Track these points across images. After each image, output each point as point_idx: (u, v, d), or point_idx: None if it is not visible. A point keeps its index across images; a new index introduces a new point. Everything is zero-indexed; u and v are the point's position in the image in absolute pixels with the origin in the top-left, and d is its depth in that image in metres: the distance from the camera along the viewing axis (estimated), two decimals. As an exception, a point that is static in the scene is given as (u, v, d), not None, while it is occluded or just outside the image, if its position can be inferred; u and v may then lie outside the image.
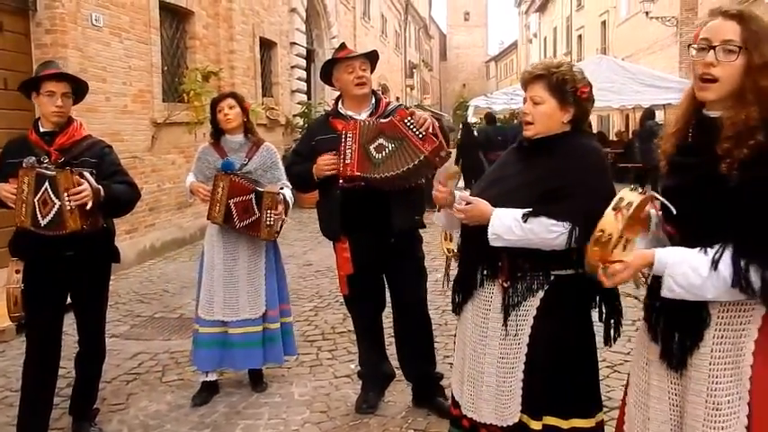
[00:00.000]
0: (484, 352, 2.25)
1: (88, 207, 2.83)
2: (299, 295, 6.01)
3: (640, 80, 12.83)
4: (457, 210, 2.24)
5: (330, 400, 3.64)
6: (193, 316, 3.81)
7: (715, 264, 1.57)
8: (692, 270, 1.59)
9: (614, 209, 1.67)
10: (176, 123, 8.15)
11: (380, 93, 3.51)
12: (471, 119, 15.06)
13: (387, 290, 3.46)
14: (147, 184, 7.65)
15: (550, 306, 2.16)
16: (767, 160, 1.53)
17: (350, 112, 3.30)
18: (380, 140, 3.06)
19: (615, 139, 18.14)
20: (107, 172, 3.06)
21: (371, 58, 3.38)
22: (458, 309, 2.39)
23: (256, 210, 3.49)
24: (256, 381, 3.82)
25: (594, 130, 17.50)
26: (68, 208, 2.80)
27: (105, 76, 7.05)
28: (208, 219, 3.57)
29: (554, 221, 2.06)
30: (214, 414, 3.50)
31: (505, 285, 2.19)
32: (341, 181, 3.15)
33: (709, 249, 1.60)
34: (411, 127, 2.99)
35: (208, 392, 3.69)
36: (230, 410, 3.54)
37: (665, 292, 1.64)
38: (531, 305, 2.18)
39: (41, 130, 3.04)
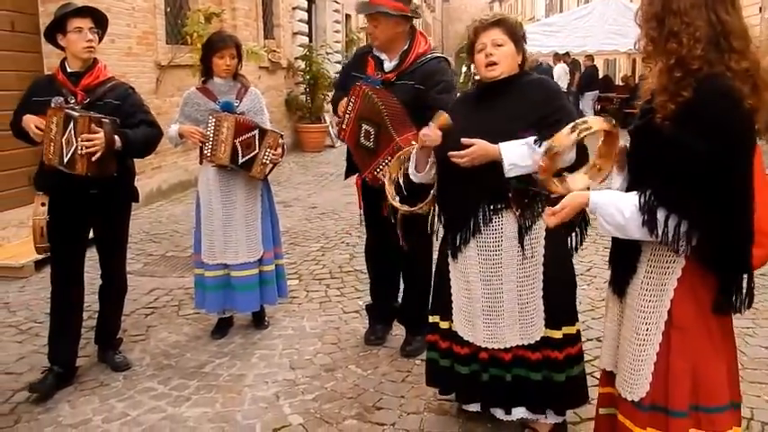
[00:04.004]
0: (501, 281, 2.43)
1: (95, 158, 2.92)
2: (305, 237, 6.16)
3: None
4: (455, 155, 2.35)
5: (340, 333, 3.83)
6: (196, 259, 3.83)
7: (637, 206, 1.71)
8: (617, 211, 1.75)
9: (572, 128, 1.80)
10: (180, 66, 8.13)
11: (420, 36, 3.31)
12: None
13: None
14: (153, 127, 7.69)
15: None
16: (689, 117, 1.64)
17: (383, 56, 3.32)
18: (369, 127, 3.16)
19: (621, 83, 17.88)
20: (128, 112, 3.14)
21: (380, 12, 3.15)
22: (458, 251, 2.49)
23: (257, 146, 3.47)
24: (258, 320, 3.92)
25: (600, 75, 17.29)
26: (80, 152, 2.89)
27: (110, 17, 6.89)
28: (211, 160, 3.50)
29: None
30: (231, 345, 3.69)
31: (517, 213, 2.36)
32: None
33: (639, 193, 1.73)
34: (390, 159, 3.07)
35: (225, 327, 3.86)
36: (246, 341, 3.73)
37: (599, 230, 1.82)
38: (541, 226, 2.38)
39: (69, 70, 3.10)
